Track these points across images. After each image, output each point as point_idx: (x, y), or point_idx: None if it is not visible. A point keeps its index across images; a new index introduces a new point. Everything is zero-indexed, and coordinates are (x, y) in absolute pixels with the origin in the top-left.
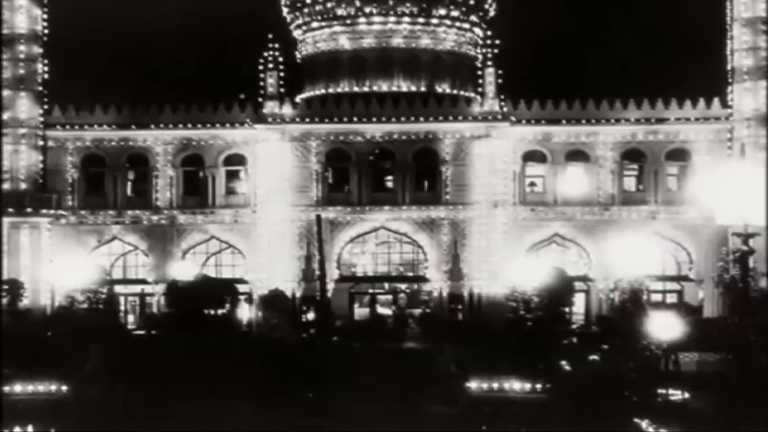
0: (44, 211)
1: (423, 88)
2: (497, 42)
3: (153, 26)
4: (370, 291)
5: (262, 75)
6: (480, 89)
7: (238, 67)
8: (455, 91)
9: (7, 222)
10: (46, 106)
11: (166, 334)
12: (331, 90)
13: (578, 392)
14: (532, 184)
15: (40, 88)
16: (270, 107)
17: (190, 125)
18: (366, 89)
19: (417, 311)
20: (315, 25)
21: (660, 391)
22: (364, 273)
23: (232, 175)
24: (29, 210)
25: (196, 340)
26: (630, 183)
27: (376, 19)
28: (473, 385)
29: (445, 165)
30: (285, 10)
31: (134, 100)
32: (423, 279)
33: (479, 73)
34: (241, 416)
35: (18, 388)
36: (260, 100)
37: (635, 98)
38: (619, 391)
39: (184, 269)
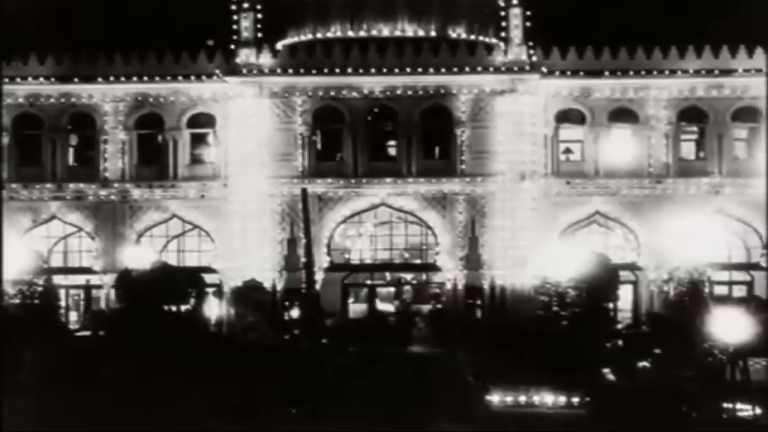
0: None
1: (433, 33)
2: None
3: None
4: (368, 282)
5: (235, 17)
6: (503, 34)
7: (205, 6)
8: (473, 37)
9: None
10: None
11: (117, 336)
12: (320, 35)
13: (624, 407)
14: (568, 150)
15: None
16: (245, 56)
17: (146, 78)
18: (363, 34)
19: (425, 307)
20: None
21: (725, 405)
22: (360, 260)
23: (197, 140)
24: None
25: (154, 342)
26: (688, 149)
27: None
28: (495, 398)
29: (460, 127)
30: None
31: (78, 48)
32: (433, 268)
33: (502, 14)
34: None
35: None
36: (233, 47)
37: (695, 45)
38: (675, 405)
39: (139, 256)
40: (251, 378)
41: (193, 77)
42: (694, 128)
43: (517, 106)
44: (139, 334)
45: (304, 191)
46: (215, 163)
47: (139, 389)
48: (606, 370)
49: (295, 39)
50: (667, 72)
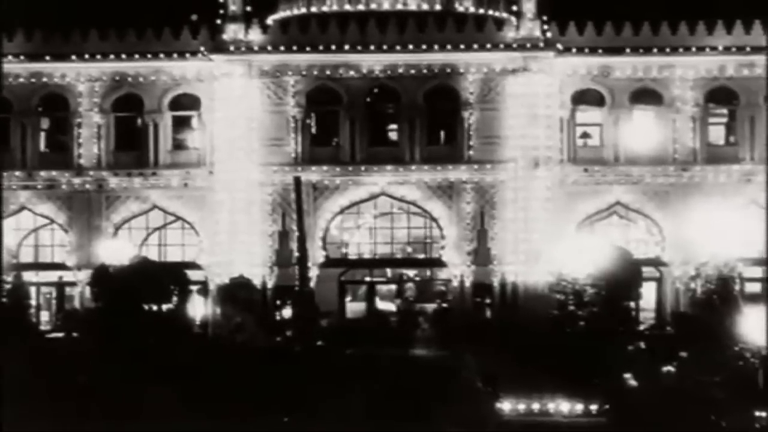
0: None
1: (438, 7)
2: None
3: None
4: (367, 279)
5: None
6: (515, 8)
7: None
8: (481, 11)
9: None
10: None
11: (93, 338)
12: (314, 9)
13: (647, 415)
14: (586, 135)
15: None
16: (232, 32)
17: (124, 56)
18: (362, 7)
19: (430, 306)
20: None
21: (757, 413)
22: (358, 255)
23: (181, 124)
24: None
25: (133, 345)
26: (717, 134)
27: None
28: (506, 405)
29: (467, 109)
30: None
31: (50, 23)
32: (438, 263)
33: None
34: None
35: None
36: (219, 22)
37: (724, 20)
38: (703, 412)
39: (117, 250)
40: (239, 381)
41: (175, 55)
42: (724, 111)
43: (529, 87)
44: (116, 335)
45: (297, 180)
46: (200, 149)
47: (118, 395)
48: (627, 375)
49: (287, 13)
50: (694, 49)
